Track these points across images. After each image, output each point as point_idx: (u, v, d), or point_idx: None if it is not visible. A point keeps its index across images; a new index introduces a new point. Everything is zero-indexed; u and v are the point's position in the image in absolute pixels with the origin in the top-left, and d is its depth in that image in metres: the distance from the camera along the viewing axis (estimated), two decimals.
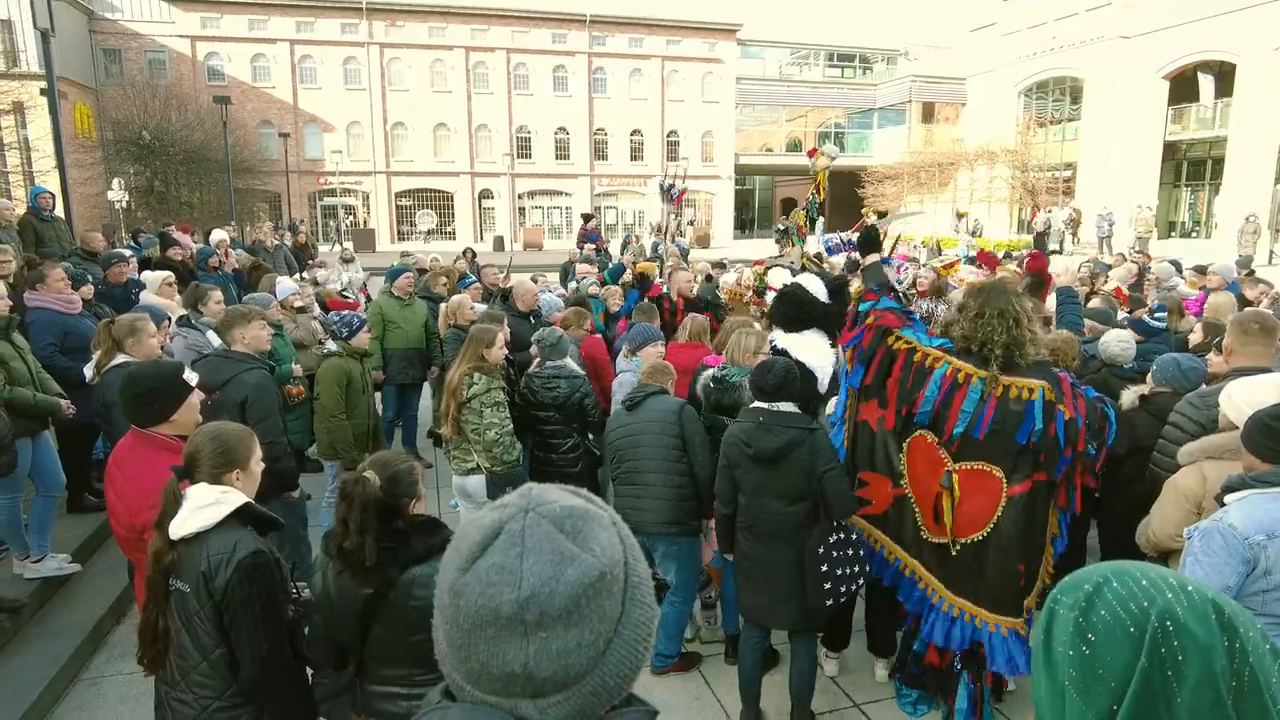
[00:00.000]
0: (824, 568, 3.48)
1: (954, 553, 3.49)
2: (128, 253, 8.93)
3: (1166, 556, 3.25)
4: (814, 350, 5.04)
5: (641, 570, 0.91)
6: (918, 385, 3.45)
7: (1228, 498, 2.59)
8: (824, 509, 3.51)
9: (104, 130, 27.64)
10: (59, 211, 10.41)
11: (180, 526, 2.35)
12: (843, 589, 3.53)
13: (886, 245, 3.83)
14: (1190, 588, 0.89)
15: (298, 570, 4.66)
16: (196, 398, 3.13)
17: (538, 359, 5.01)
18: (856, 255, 8.34)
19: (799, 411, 3.59)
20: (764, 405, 3.56)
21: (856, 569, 3.61)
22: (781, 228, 6.30)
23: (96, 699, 4.07)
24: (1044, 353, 3.47)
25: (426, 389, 7.88)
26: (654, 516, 4.06)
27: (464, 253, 12.68)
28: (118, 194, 23.09)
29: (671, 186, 8.46)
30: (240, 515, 2.42)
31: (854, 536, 3.67)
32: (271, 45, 34.59)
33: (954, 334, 3.48)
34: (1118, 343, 4.89)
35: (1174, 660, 0.85)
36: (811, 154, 6.51)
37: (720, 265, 11.14)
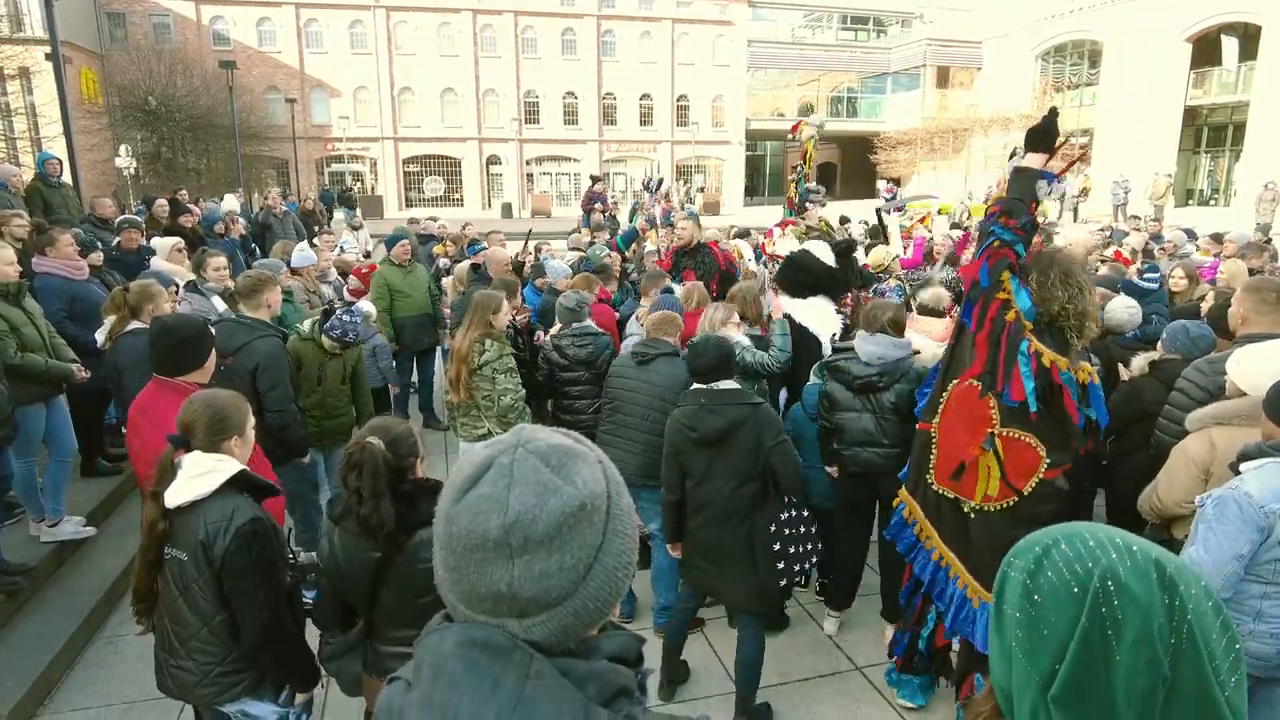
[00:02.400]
0: (776, 546, 3.46)
1: (971, 517, 3.24)
2: (139, 219, 8.92)
3: (1171, 523, 3.25)
4: (818, 315, 5.05)
5: (624, 504, 0.98)
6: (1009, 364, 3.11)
7: (1243, 466, 2.57)
8: (774, 485, 3.47)
9: (110, 96, 27.51)
10: (66, 178, 10.42)
11: (176, 495, 2.37)
12: (796, 567, 3.51)
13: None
14: (1135, 547, 0.89)
15: (306, 534, 4.73)
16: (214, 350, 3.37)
17: (559, 324, 5.07)
18: (898, 215, 8.21)
19: (740, 388, 3.53)
20: (703, 386, 3.50)
21: (809, 547, 3.58)
22: (792, 179, 6.24)
23: (114, 657, 4.17)
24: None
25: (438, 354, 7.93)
26: (638, 470, 4.06)
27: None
28: (125, 160, 23.05)
29: (651, 183, 8.34)
30: (236, 482, 2.44)
31: (805, 513, 3.63)
32: (277, 9, 34.19)
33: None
34: (1125, 310, 4.85)
35: (1114, 619, 0.86)
36: (795, 129, 6.44)
37: (745, 234, 11.06)
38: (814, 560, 3.65)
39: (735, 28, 39.18)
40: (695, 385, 3.56)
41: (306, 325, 4.87)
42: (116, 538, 5.13)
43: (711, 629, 4.38)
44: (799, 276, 5.28)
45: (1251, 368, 3.02)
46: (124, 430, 5.11)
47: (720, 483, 3.46)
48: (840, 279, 5.35)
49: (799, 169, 5.92)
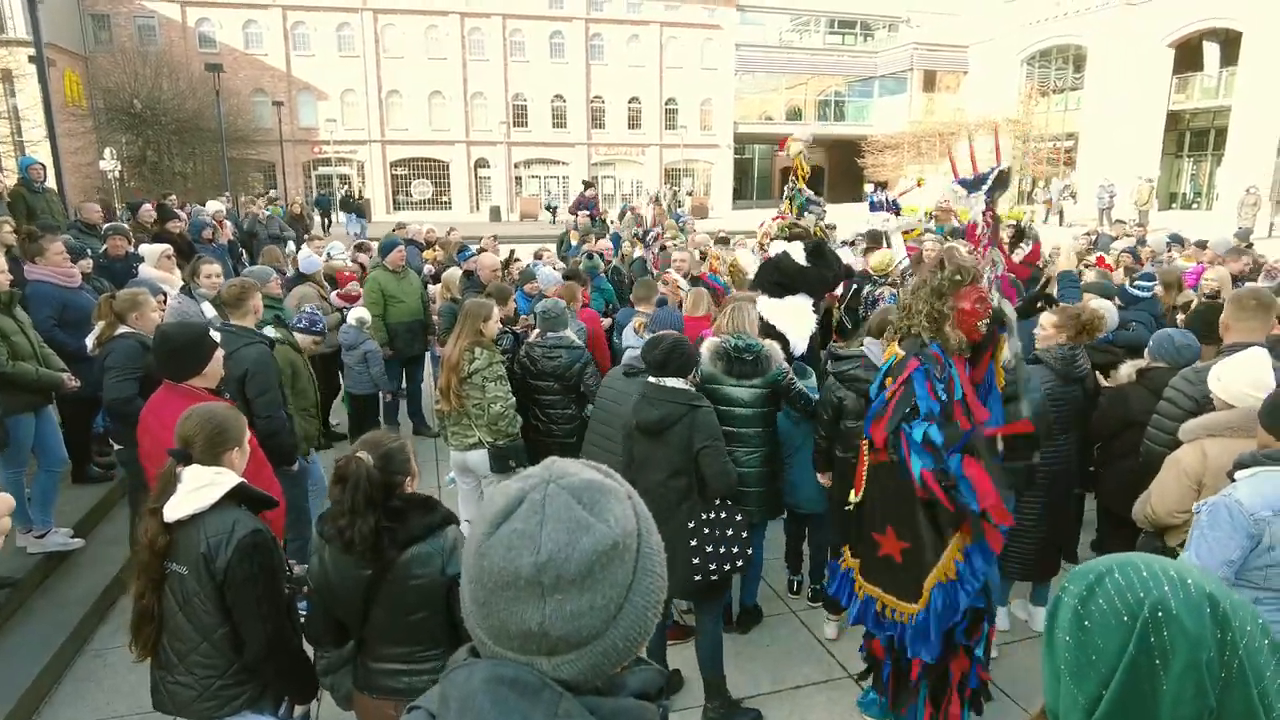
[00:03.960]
0: (692, 542, 3.53)
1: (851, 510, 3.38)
2: (125, 226, 8.85)
3: (1164, 532, 3.29)
4: (792, 315, 5.14)
5: (654, 542, 0.97)
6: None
7: (1238, 474, 2.62)
8: (701, 485, 3.54)
9: (94, 99, 27.28)
10: (50, 182, 10.34)
11: (176, 509, 2.37)
12: (712, 567, 3.55)
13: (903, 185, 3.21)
14: (1190, 580, 0.91)
15: (295, 544, 4.71)
16: (221, 353, 3.52)
17: (538, 330, 5.05)
18: (893, 217, 8.30)
19: (684, 387, 3.62)
20: (653, 380, 3.63)
21: (735, 549, 3.62)
22: (788, 195, 6.26)
23: (103, 669, 4.13)
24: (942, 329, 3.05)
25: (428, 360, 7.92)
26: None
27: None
28: (110, 164, 22.84)
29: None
30: (234, 495, 2.44)
31: (737, 518, 3.67)
32: (264, 11, 33.98)
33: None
34: (1106, 310, 4.98)
35: (1162, 649, 0.88)
36: (783, 145, 6.50)
37: (723, 240, 11.08)
38: (738, 564, 3.67)
39: (723, 31, 39.28)
40: (649, 377, 3.68)
41: (271, 331, 4.81)
42: (105, 548, 5.09)
43: None
44: (775, 277, 5.45)
45: (1230, 380, 3.10)
46: (110, 438, 5.11)
47: (653, 473, 3.59)
48: (814, 276, 5.45)
49: (791, 185, 5.94)
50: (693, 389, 3.71)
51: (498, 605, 0.89)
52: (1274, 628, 2.70)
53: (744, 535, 3.67)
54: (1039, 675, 1.03)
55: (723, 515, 3.62)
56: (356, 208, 25.00)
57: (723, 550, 3.60)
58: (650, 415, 3.54)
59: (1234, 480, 2.62)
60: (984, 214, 3.12)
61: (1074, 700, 0.95)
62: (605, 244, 9.99)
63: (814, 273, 5.47)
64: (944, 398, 2.97)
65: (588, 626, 0.89)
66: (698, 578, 3.54)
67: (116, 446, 4.79)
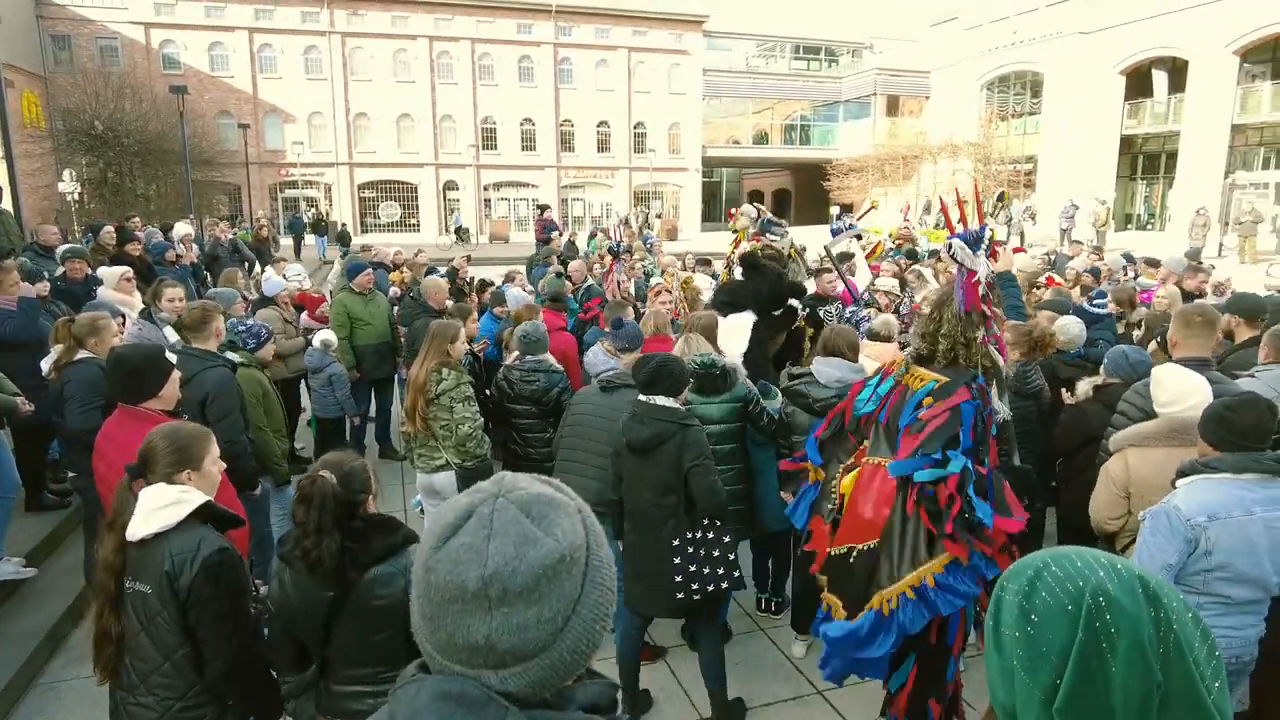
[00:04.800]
0: (676, 560, 3.53)
1: (850, 561, 3.17)
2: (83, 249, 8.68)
3: (1113, 538, 3.40)
4: (733, 331, 5.32)
5: (604, 556, 0.97)
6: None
7: (1179, 482, 2.73)
8: (690, 503, 3.56)
9: (53, 120, 26.83)
10: (6, 204, 10.14)
11: (140, 527, 2.33)
12: (695, 586, 3.53)
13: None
14: (1119, 565, 0.96)
15: (260, 568, 4.62)
16: (177, 375, 3.48)
17: (516, 353, 5.04)
18: (856, 241, 8.51)
19: (674, 406, 3.65)
20: (644, 398, 3.65)
21: (721, 570, 3.58)
22: (757, 213, 6.44)
23: (55, 703, 4.01)
24: (979, 362, 3.13)
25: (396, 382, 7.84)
26: (595, 496, 3.98)
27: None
28: (69, 185, 22.42)
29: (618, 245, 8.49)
30: (199, 514, 2.41)
31: (725, 539, 3.62)
32: (229, 34, 33.80)
33: (913, 335, 3.37)
34: (1076, 325, 5.17)
35: (1107, 632, 0.92)
36: (730, 216, 6.77)
37: (704, 262, 11.26)
38: (724, 584, 3.62)
39: (690, 57, 39.86)
40: (639, 396, 3.68)
41: (233, 355, 4.73)
42: (59, 577, 4.95)
43: (674, 656, 4.38)
44: (722, 296, 5.80)
45: (1161, 389, 3.36)
46: (64, 467, 4.98)
47: (644, 491, 3.60)
48: (751, 288, 5.75)
49: (730, 254, 6.27)
50: (683, 408, 3.72)
51: (445, 619, 0.89)
52: (1215, 632, 2.79)
53: (732, 555, 3.66)
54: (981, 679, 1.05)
55: (709, 535, 3.61)
56: (341, 234, 24.38)
57: (707, 570, 3.58)
58: (641, 434, 3.54)
59: (1174, 487, 2.73)
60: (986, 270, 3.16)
61: (1030, 694, 0.97)
62: (577, 263, 10.02)
63: (750, 285, 5.76)
64: (980, 435, 3.00)
65: (535, 639, 0.89)
66: (680, 595, 3.53)
67: (71, 474, 4.68)
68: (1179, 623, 0.92)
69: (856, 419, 3.37)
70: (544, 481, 0.99)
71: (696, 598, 3.56)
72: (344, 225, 28.49)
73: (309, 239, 26.69)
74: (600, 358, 5.10)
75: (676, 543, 3.55)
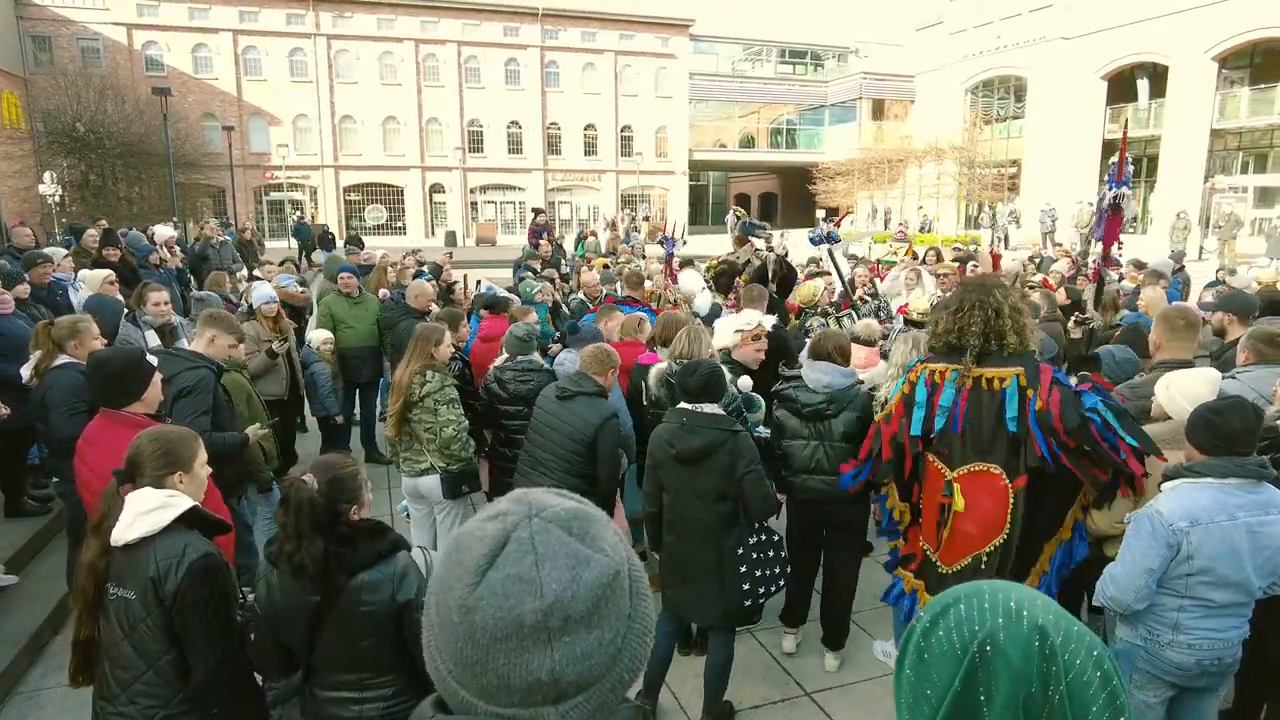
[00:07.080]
0: (743, 568, 3.54)
1: (982, 567, 3.22)
2: (56, 251, 8.50)
3: (1103, 542, 3.40)
4: (730, 324, 5.39)
5: (637, 563, 0.92)
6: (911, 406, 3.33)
7: (1164, 486, 2.74)
8: (744, 510, 3.55)
9: (34, 121, 26.53)
10: None
11: (125, 531, 2.30)
12: (761, 590, 3.57)
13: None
14: (1025, 612, 0.91)
15: (243, 575, 4.57)
16: (159, 378, 3.43)
17: (507, 354, 5.02)
18: (833, 249, 8.60)
19: (722, 413, 3.62)
20: (688, 406, 3.59)
21: (777, 570, 3.65)
22: (736, 218, 6.55)
23: (36, 712, 3.94)
24: (1033, 344, 3.25)
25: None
26: None
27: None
28: (50, 188, 22.17)
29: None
30: (185, 519, 2.38)
31: (776, 539, 3.69)
32: (213, 35, 33.57)
33: (937, 330, 3.34)
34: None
35: (986, 684, 0.88)
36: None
37: (689, 262, 11.26)
38: (781, 584, 3.71)
39: (677, 60, 39.94)
40: (681, 404, 3.63)
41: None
42: (39, 584, 4.88)
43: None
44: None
45: (1176, 392, 3.28)
46: (48, 473, 4.90)
47: (694, 501, 3.55)
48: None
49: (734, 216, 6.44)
50: (729, 415, 3.70)
51: (495, 661, 0.80)
52: (1197, 634, 2.78)
53: (783, 555, 3.68)
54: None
55: (763, 538, 3.63)
56: (322, 237, 23.64)
57: (773, 571, 3.63)
58: (692, 444, 3.47)
59: (1161, 491, 2.73)
60: None
61: None
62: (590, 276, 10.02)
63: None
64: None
65: (598, 664, 0.83)
66: (748, 603, 3.55)
67: (54, 480, 4.62)
68: (1072, 684, 0.87)
69: (916, 439, 3.30)
70: (563, 495, 0.92)
71: (762, 601, 3.60)
72: (326, 227, 28.09)
73: (318, 254, 24.70)
74: (570, 364, 5.06)
75: (741, 550, 3.53)
